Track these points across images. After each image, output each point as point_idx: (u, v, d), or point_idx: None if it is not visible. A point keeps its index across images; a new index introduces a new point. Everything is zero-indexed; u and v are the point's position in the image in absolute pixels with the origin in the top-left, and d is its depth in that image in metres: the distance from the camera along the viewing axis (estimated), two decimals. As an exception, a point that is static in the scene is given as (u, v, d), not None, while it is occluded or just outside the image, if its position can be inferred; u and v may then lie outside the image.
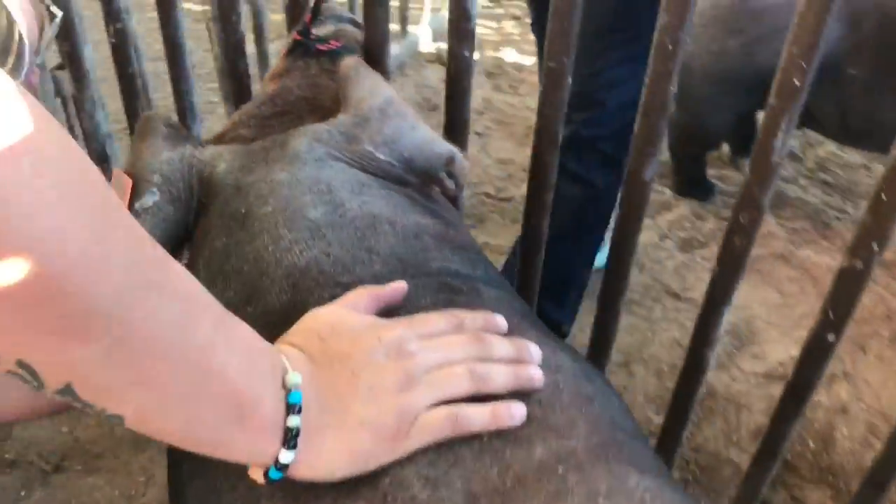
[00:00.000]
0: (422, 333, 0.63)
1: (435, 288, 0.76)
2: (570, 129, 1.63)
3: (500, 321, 0.69)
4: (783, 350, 2.17)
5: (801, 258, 2.47)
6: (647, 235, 2.52)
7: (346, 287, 0.74)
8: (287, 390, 0.54)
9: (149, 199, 0.89)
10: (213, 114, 2.94)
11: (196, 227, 0.92)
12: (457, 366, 0.62)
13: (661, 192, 2.72)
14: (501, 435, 0.62)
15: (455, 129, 1.22)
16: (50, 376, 0.43)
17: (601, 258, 2.35)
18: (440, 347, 0.62)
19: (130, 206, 0.89)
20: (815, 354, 1.12)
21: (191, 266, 0.88)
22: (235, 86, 1.43)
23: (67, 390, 0.44)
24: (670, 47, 0.99)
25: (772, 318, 2.27)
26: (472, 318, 0.68)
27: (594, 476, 0.62)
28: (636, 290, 2.32)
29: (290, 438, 0.54)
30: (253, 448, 0.53)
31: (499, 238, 2.47)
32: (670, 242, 2.51)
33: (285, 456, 0.54)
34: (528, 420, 0.63)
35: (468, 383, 0.61)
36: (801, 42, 0.91)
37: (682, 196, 2.70)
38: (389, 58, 1.22)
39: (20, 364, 0.42)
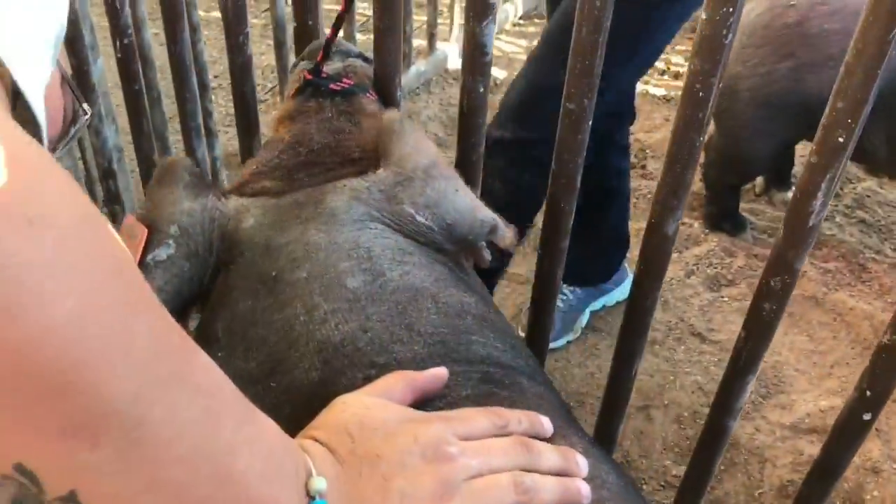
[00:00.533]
0: (462, 433, 0.57)
1: (477, 378, 0.68)
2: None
3: (547, 425, 0.63)
4: (812, 401, 2.05)
5: (834, 301, 2.35)
6: (672, 271, 2.41)
7: (382, 368, 0.67)
8: (310, 497, 0.49)
9: (163, 253, 0.82)
10: (233, 126, 2.89)
11: (213, 285, 0.84)
12: (501, 475, 0.55)
13: (689, 224, 2.61)
14: None
15: (467, 168, 1.14)
16: (52, 483, 0.38)
17: (625, 290, 2.26)
18: (483, 452, 0.56)
19: (143, 258, 0.82)
20: (848, 433, 1.02)
21: (206, 329, 0.82)
22: (242, 108, 1.37)
23: (70, 498, 0.38)
24: (701, 94, 0.91)
25: (801, 365, 2.16)
26: (518, 419, 0.61)
27: None
28: (659, 329, 2.21)
29: None
30: None
31: (518, 267, 2.38)
32: (696, 279, 2.40)
33: None
34: None
35: (513, 496, 0.55)
36: (848, 97, 0.82)
37: (712, 230, 2.59)
38: (401, 90, 1.14)
39: (19, 469, 0.37)
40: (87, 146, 1.79)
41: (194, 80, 1.49)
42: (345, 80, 1.06)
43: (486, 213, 0.90)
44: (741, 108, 2.36)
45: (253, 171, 0.96)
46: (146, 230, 0.82)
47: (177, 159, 0.89)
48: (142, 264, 0.81)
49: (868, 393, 0.97)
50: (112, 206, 1.82)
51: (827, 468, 1.07)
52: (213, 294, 0.83)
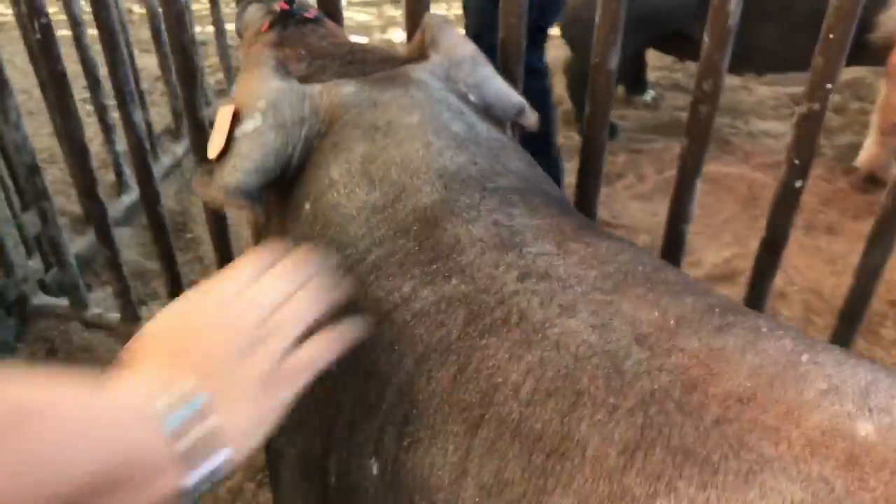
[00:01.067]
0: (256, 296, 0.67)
1: (557, 211, 0.87)
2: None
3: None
4: (715, 253, 2.32)
5: (709, 172, 2.64)
6: (569, 179, 2.63)
7: (492, 192, 0.84)
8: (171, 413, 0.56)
9: (250, 125, 0.90)
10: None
11: (308, 157, 0.94)
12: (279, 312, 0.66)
13: (570, 137, 2.84)
14: (653, 289, 0.71)
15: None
16: None
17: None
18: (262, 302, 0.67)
19: (231, 133, 0.90)
20: (784, 202, 1.23)
21: (318, 179, 0.91)
22: (181, 59, 1.43)
23: None
24: (622, -66, 1.08)
25: (696, 228, 2.40)
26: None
27: (749, 318, 0.70)
28: (571, 226, 2.42)
29: (204, 449, 0.56)
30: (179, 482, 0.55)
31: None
32: (591, 179, 2.63)
33: (216, 460, 0.57)
34: (670, 282, 0.74)
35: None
36: None
37: (591, 137, 2.82)
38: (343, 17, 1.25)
39: None
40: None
41: (123, 49, 1.53)
42: (312, 10, 1.18)
43: (517, 97, 1.06)
44: (587, 34, 2.60)
45: (299, 77, 1.04)
46: (233, 109, 0.90)
47: (265, 48, 0.97)
48: (230, 138, 0.89)
49: (797, 161, 1.18)
50: (41, 202, 1.82)
51: (772, 241, 1.28)
52: (314, 156, 0.93)
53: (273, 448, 0.96)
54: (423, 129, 0.90)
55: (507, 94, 1.05)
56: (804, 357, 0.65)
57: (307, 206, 0.91)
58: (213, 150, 0.91)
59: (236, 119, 0.91)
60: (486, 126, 0.96)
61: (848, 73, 3.17)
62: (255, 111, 0.91)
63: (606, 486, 0.60)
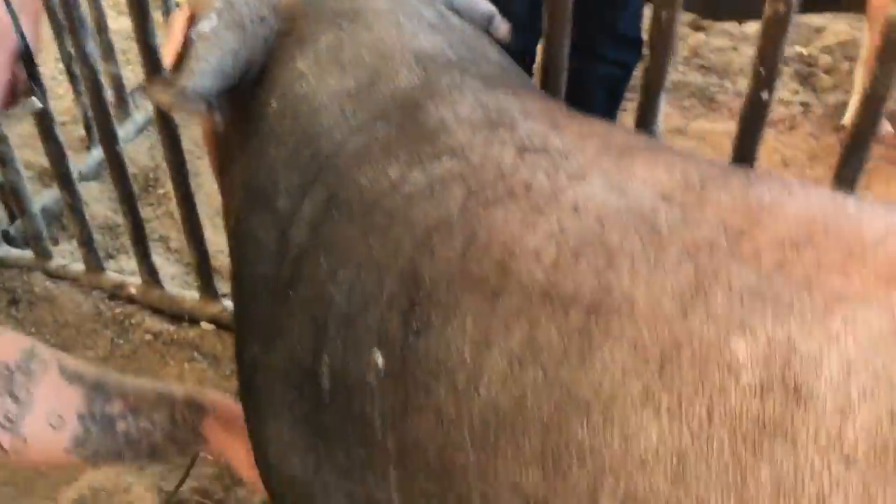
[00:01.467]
0: None
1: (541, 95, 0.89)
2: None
3: None
4: (699, 207, 2.27)
5: (695, 129, 2.59)
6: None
7: (472, 76, 0.80)
8: None
9: (205, 25, 0.85)
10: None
11: (276, 47, 0.89)
12: None
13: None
14: (661, 155, 0.69)
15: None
16: None
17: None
18: None
19: (187, 35, 0.85)
20: (753, 115, 1.17)
21: (285, 70, 0.86)
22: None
23: None
24: None
25: (681, 183, 2.38)
26: None
27: (774, 176, 0.66)
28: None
29: None
30: None
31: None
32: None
33: None
34: (676, 151, 0.72)
35: None
36: None
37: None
38: None
39: None
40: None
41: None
42: None
43: (486, 5, 1.01)
44: None
45: None
46: (188, 12, 0.86)
47: None
48: (187, 42, 0.84)
49: (762, 70, 1.12)
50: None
51: (739, 159, 1.22)
52: (277, 53, 0.88)
53: (246, 359, 0.89)
54: (393, 12, 0.85)
55: (474, 1, 1.00)
56: (850, 204, 0.61)
57: (273, 103, 0.86)
58: (169, 54, 0.87)
59: (192, 22, 0.86)
60: (457, 18, 0.92)
61: (839, 34, 3.12)
62: (210, 11, 0.86)
63: (667, 332, 0.55)
